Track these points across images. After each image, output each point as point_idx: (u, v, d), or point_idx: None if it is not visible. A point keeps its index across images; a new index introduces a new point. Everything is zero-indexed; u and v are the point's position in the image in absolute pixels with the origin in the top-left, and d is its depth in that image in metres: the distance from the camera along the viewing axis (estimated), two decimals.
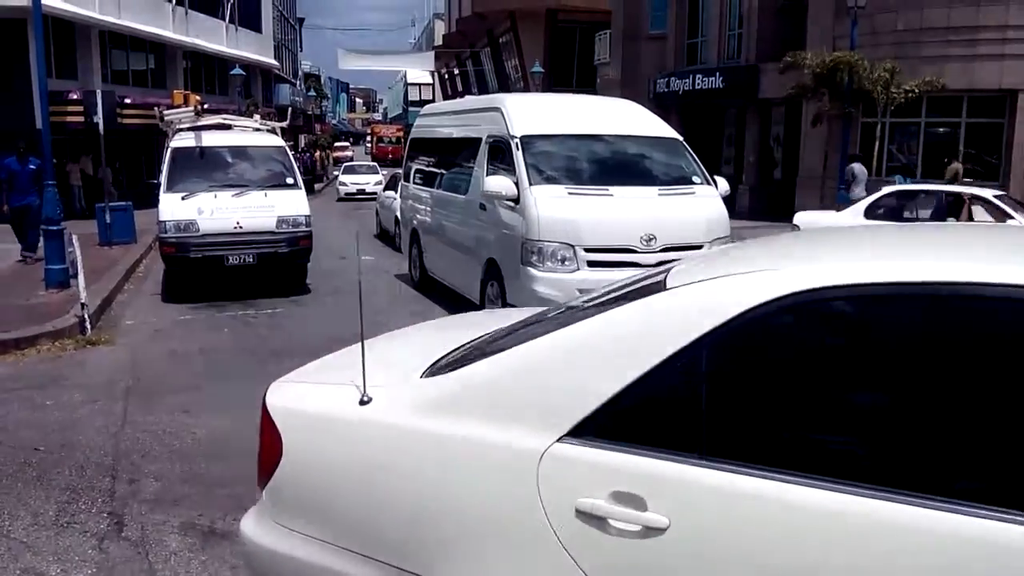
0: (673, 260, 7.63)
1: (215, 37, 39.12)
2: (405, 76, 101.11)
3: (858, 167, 18.47)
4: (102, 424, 6.85)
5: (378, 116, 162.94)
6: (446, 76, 68.63)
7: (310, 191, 23.64)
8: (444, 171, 11.78)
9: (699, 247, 8.35)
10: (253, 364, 8.78)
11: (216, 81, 39.95)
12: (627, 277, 7.55)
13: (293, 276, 13.09)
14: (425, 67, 68.57)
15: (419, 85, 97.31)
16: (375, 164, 41.21)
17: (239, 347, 9.55)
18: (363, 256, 16.97)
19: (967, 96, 19.90)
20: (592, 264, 8.34)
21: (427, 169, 12.71)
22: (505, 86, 50.24)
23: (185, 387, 7.92)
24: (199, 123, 14.36)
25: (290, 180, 13.16)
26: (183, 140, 13.46)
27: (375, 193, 34.10)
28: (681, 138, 9.99)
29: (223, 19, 40.55)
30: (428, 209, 12.26)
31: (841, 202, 16.98)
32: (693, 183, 9.31)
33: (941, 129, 20.96)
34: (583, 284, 7.73)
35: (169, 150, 13.27)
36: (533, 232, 8.47)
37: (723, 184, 9.57)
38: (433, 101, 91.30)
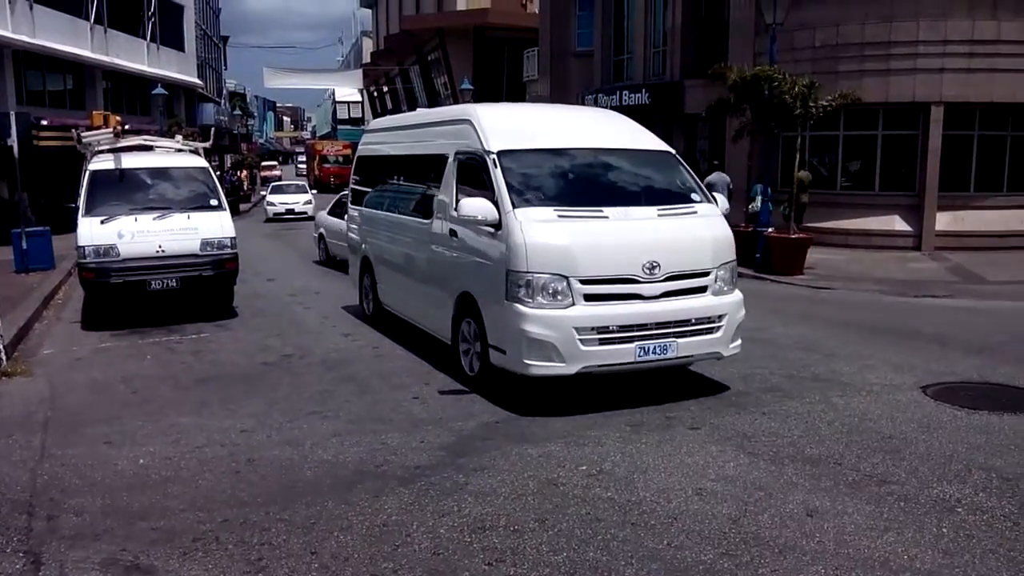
0: (678, 291, 7.56)
1: (135, 56, 38.28)
2: (333, 94, 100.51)
3: (716, 176, 19.47)
4: (18, 459, 6.59)
5: (307, 134, 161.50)
6: (375, 94, 68.35)
7: (235, 212, 23.20)
8: (401, 193, 10.62)
9: (706, 274, 7.70)
10: (177, 392, 8.57)
11: (137, 101, 39.04)
12: (629, 313, 7.25)
13: (219, 300, 12.83)
14: (354, 85, 68.40)
15: (348, 103, 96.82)
16: (304, 183, 40.66)
17: (163, 374, 9.31)
18: (303, 283, 16.67)
19: (883, 109, 20.55)
20: (589, 298, 7.30)
21: (379, 190, 11.46)
22: (435, 103, 50.26)
23: (106, 418, 7.66)
24: (119, 144, 14.00)
25: (214, 201, 12.90)
26: (102, 162, 13.11)
27: (305, 213, 33.88)
28: (674, 151, 9.09)
29: (144, 38, 39.71)
30: (382, 235, 11.04)
31: None
32: (693, 201, 8.26)
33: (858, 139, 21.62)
34: (580, 322, 7.18)
35: (87, 173, 12.91)
36: (519, 262, 7.32)
37: (723, 202, 8.59)
38: (363, 119, 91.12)
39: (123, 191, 12.59)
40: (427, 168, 9.62)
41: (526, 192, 7.81)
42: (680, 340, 7.52)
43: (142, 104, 38.78)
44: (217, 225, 12.40)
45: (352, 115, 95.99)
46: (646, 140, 9.05)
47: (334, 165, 57.66)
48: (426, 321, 9.72)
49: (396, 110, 62.51)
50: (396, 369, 9.26)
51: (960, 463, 6.20)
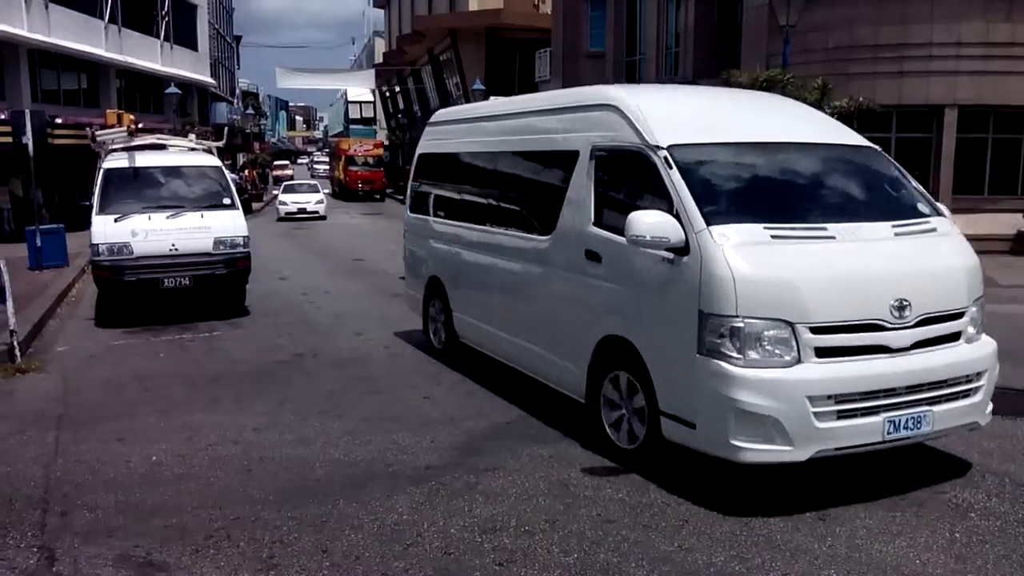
0: (930, 340, 5.65)
1: (149, 55, 38.46)
2: (345, 94, 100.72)
3: None
4: (32, 455, 6.63)
5: (319, 134, 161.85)
6: (387, 93, 68.44)
7: (247, 211, 23.30)
8: (491, 199, 8.54)
9: (960, 315, 5.87)
10: (190, 390, 8.61)
11: (151, 100, 39.23)
12: (876, 374, 5.40)
13: (231, 298, 12.87)
14: (365, 85, 68.41)
15: (360, 103, 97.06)
16: (316, 183, 40.69)
17: (175, 372, 9.35)
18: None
19: (896, 112, 20.46)
20: (822, 352, 5.38)
21: (454, 196, 9.41)
22: (446, 103, 50.21)
23: (119, 415, 7.71)
24: (133, 143, 14.08)
25: (227, 200, 12.96)
26: (116, 160, 13.18)
27: (316, 212, 33.92)
28: (879, 147, 7.11)
29: (157, 37, 39.90)
30: (461, 252, 9.01)
31: None
32: (923, 213, 6.36)
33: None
34: (813, 387, 5.29)
35: (101, 171, 12.98)
36: (723, 301, 5.32)
37: (948, 213, 6.68)
38: (374, 118, 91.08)
39: (137, 189, 12.66)
40: (538, 169, 7.79)
41: (719, 203, 5.83)
42: (935, 408, 5.62)
43: (156, 103, 38.97)
44: (230, 224, 12.45)
45: (364, 115, 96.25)
46: (843, 132, 7.12)
47: (363, 168, 47.92)
48: (538, 367, 7.56)
49: (408, 110, 62.69)
50: (408, 368, 9.27)
51: (973, 468, 6.17)
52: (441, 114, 10.70)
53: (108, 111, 27.42)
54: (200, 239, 12.09)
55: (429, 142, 10.37)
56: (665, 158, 5.94)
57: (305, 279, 16.59)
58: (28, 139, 16.47)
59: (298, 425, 7.32)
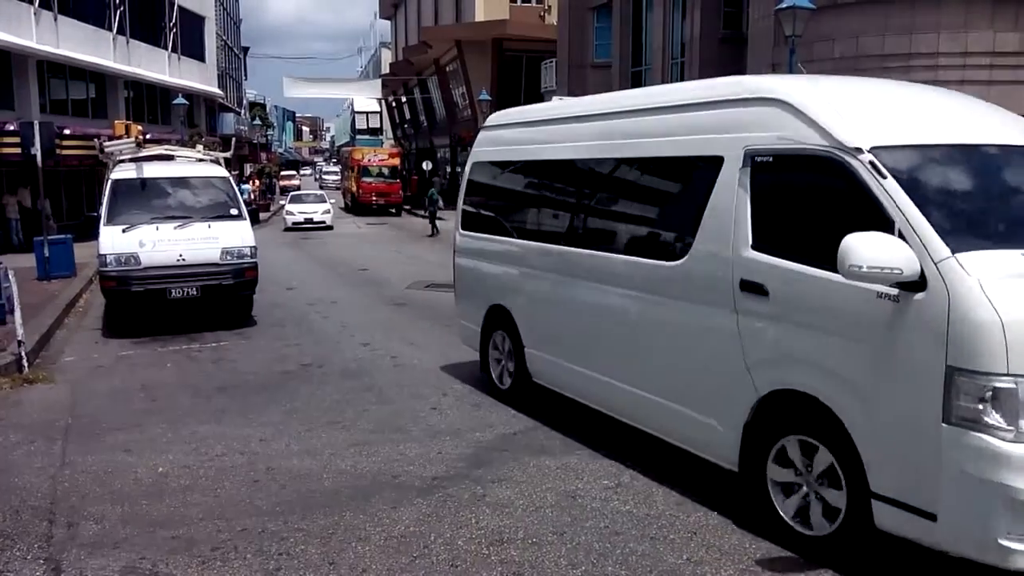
0: None
1: (157, 66, 38.66)
2: (352, 104, 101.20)
3: None
4: (39, 465, 6.64)
5: (325, 144, 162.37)
6: (393, 104, 68.66)
7: (255, 221, 23.36)
8: (590, 216, 7.08)
9: None
10: (197, 400, 8.60)
11: (159, 111, 39.44)
12: None
13: (238, 308, 12.90)
14: (372, 94, 68.57)
15: (367, 113, 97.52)
16: (322, 193, 40.72)
17: (183, 382, 9.35)
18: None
19: None
20: None
21: (532, 212, 8.01)
22: (452, 113, 50.50)
23: (127, 425, 7.71)
24: (140, 154, 14.15)
25: (234, 211, 12.99)
26: (124, 171, 13.24)
27: (323, 222, 33.97)
28: None
29: (165, 48, 40.11)
30: (541, 277, 7.53)
31: None
32: None
33: None
34: None
35: (109, 182, 13.05)
36: (984, 355, 4.08)
37: None
38: (381, 129, 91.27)
39: (144, 200, 12.72)
40: (658, 179, 6.52)
41: (956, 222, 4.56)
42: None
43: (163, 114, 39.19)
44: (237, 234, 12.48)
45: (371, 125, 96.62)
46: None
47: (378, 180, 42.71)
48: (657, 420, 6.18)
49: (414, 120, 62.90)
50: (414, 379, 9.26)
51: None
52: (501, 117, 8.98)
53: (116, 122, 27.59)
54: (207, 249, 12.11)
55: (487, 149, 8.86)
56: (871, 163, 4.65)
57: (312, 289, 16.60)
58: (37, 150, 16.54)
59: (305, 436, 7.30)
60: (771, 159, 5.27)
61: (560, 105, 8.37)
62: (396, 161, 45.10)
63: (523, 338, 7.89)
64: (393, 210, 42.95)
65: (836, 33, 20.51)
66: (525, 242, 7.86)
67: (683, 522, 5.38)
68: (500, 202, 8.71)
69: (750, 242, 5.26)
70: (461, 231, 9.13)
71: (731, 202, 5.45)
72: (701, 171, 5.80)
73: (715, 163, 5.64)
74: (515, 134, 8.45)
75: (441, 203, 32.30)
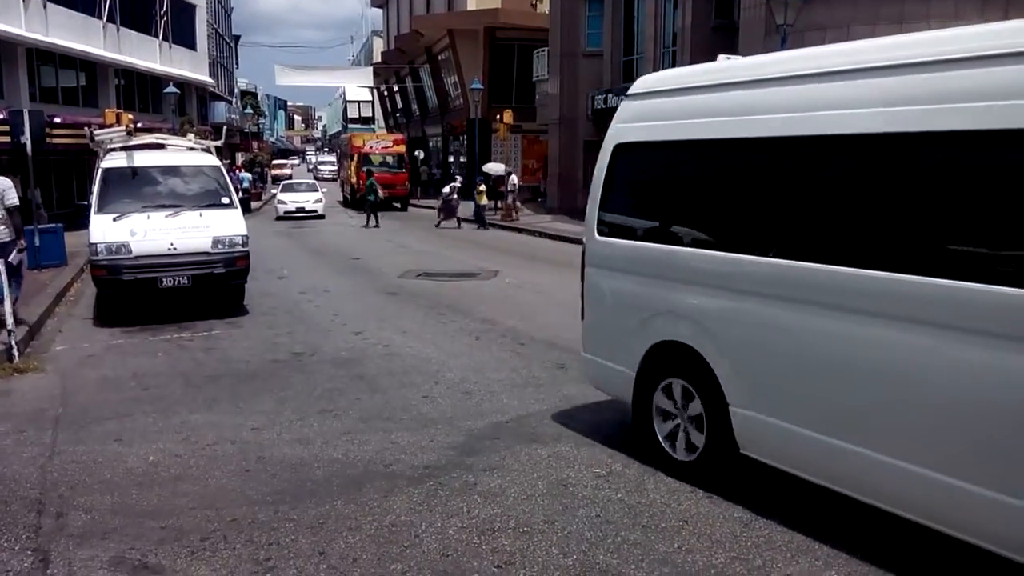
0: None
1: (148, 55, 38.44)
2: (344, 93, 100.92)
3: None
4: (29, 455, 6.60)
5: (317, 133, 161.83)
6: (385, 93, 68.42)
7: (246, 210, 23.26)
8: (867, 217, 4.81)
9: None
10: (188, 389, 8.57)
11: (150, 99, 39.25)
12: None
13: (230, 297, 12.85)
14: (363, 82, 68.48)
15: (359, 102, 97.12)
16: (314, 182, 40.50)
17: (174, 371, 9.32)
18: None
19: None
20: None
21: (740, 212, 5.66)
22: (445, 102, 50.34)
23: (117, 415, 7.68)
24: (131, 142, 14.06)
25: (226, 200, 12.94)
26: (115, 160, 13.16)
27: (315, 211, 33.82)
28: None
29: (156, 36, 39.88)
30: (774, 308, 5.23)
31: None
32: None
33: None
34: None
35: (100, 170, 12.97)
36: None
37: None
38: (373, 118, 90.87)
39: (135, 189, 12.65)
40: (993, 164, 4.23)
41: None
42: None
43: (154, 102, 39.04)
44: (229, 223, 12.43)
45: (363, 114, 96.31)
46: None
47: (381, 169, 37.53)
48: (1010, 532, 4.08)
49: (407, 109, 62.67)
50: (406, 367, 9.25)
51: None
52: (658, 81, 6.65)
53: (107, 110, 27.44)
54: (199, 238, 12.06)
55: (637, 126, 6.53)
56: None
57: (304, 278, 16.56)
58: (26, 139, 16.44)
59: (297, 425, 7.29)
60: None
61: (776, 60, 5.80)
62: (402, 148, 41.03)
63: (727, 393, 5.52)
64: (398, 204, 38.32)
65: (827, 22, 20.51)
66: (732, 256, 5.49)
67: (674, 510, 5.39)
68: (677, 198, 6.21)
69: None
70: (598, 236, 6.80)
71: None
72: None
73: None
74: (689, 103, 6.09)
75: (381, 194, 31.61)
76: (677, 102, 6.23)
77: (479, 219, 29.08)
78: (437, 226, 29.08)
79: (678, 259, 5.98)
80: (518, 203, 31.59)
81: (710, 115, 5.86)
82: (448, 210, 29.70)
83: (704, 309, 5.75)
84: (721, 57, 6.23)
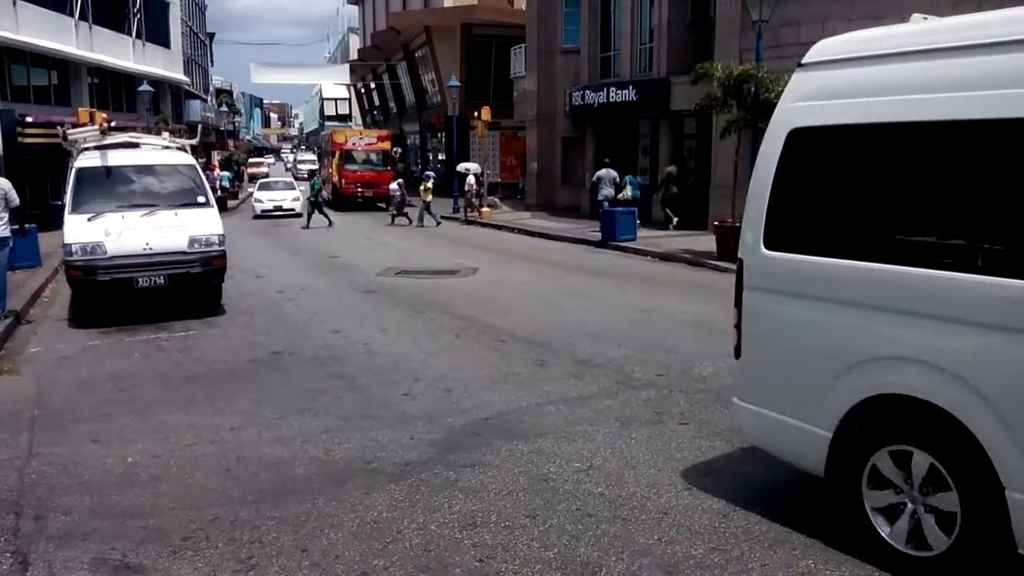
0: None
1: (121, 53, 38.07)
2: (321, 91, 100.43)
3: (604, 171, 23.15)
4: (5, 457, 6.54)
5: (294, 131, 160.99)
6: (362, 90, 68.17)
7: (222, 209, 23.10)
8: None
9: None
10: (166, 390, 8.53)
11: (123, 98, 38.86)
12: None
13: (207, 296, 12.77)
14: (340, 79, 68.18)
15: (335, 100, 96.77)
16: (292, 180, 40.23)
17: (151, 372, 9.26)
18: None
19: None
20: None
21: (1002, 221, 4.05)
22: (422, 99, 50.23)
23: (94, 416, 7.62)
24: (105, 141, 13.94)
25: (201, 198, 12.86)
26: (88, 159, 13.05)
27: (292, 210, 33.46)
28: None
29: (129, 34, 39.51)
30: None
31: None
32: None
33: None
34: None
35: (73, 170, 12.86)
36: None
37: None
38: (350, 115, 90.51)
39: (110, 188, 12.55)
40: None
41: None
42: None
43: (128, 101, 38.65)
44: (205, 222, 12.35)
45: (340, 112, 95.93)
46: None
47: (364, 167, 36.70)
48: None
49: (384, 106, 62.50)
50: (386, 365, 9.24)
51: None
52: (857, 43, 4.90)
53: (80, 109, 27.13)
54: (174, 238, 11.97)
55: (826, 104, 4.89)
56: None
57: (281, 277, 16.49)
58: None
59: (276, 424, 7.27)
60: None
61: None
62: (386, 145, 38.69)
63: (1002, 472, 3.96)
64: (382, 204, 34.71)
65: (802, 18, 20.65)
66: (1010, 282, 3.90)
67: (654, 503, 5.43)
68: (905, 200, 4.50)
69: None
70: (767, 251, 5.10)
71: None
72: None
73: None
74: (910, 72, 4.48)
75: (325, 195, 31.03)
76: (885, 72, 4.62)
77: (421, 217, 27.91)
78: (390, 224, 28.71)
79: (914, 283, 4.29)
80: (484, 200, 31.24)
81: (950, 88, 4.23)
82: (396, 205, 29.21)
83: (962, 354, 4.12)
84: (915, 17, 4.83)
